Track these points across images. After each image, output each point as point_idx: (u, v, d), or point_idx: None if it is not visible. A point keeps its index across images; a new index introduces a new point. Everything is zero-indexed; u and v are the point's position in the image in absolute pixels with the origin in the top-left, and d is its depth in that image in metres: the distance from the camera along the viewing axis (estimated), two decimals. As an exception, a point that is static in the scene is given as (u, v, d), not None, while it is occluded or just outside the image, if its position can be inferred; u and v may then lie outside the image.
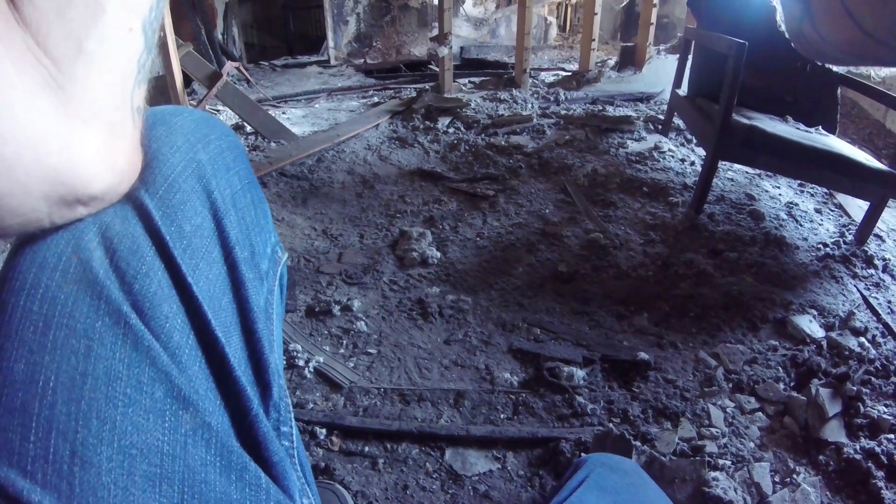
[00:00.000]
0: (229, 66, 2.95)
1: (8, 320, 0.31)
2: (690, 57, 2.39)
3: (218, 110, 3.15)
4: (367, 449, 1.01)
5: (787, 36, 1.10)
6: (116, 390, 0.32)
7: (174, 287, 0.37)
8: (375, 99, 3.70)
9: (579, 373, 1.16)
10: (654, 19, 3.64)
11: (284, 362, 1.18)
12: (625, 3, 6.71)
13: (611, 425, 1.05)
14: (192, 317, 0.37)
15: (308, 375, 1.16)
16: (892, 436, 1.03)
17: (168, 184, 0.38)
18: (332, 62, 5.76)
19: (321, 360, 1.20)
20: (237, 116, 2.79)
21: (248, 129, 2.75)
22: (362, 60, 5.52)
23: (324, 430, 1.03)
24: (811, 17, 0.85)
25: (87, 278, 0.33)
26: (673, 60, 3.10)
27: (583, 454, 0.97)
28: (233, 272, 0.42)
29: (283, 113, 3.37)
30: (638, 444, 1.00)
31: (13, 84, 0.28)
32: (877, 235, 1.80)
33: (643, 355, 1.20)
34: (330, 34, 5.92)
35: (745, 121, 1.77)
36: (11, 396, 0.30)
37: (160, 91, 2.73)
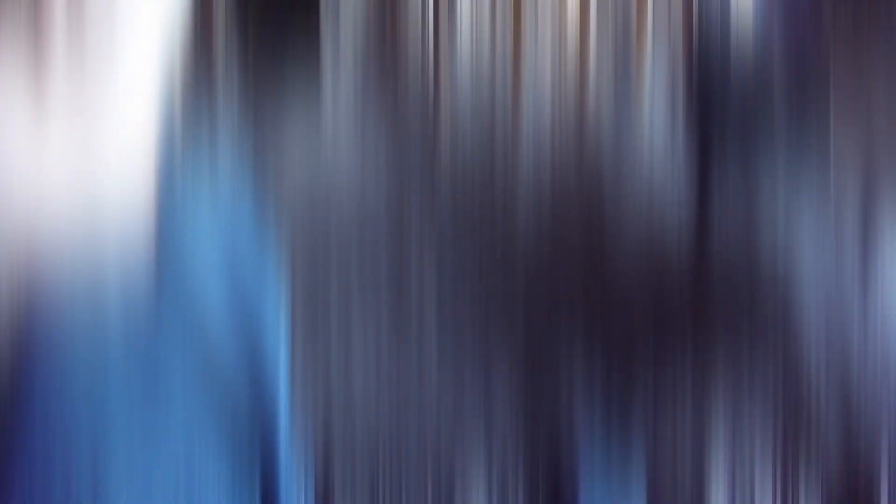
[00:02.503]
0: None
1: (31, 366, 0.34)
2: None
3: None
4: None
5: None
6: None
7: (188, 353, 0.38)
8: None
9: (578, 403, 1.14)
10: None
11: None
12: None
13: (610, 454, 1.04)
14: (205, 370, 0.39)
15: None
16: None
17: (186, 253, 0.40)
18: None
19: (313, 391, 1.19)
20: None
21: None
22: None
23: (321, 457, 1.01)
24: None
25: (106, 344, 0.35)
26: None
27: (581, 483, 0.96)
28: (248, 335, 0.43)
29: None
30: (638, 472, 0.99)
31: (42, 133, 0.30)
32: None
33: (641, 387, 1.19)
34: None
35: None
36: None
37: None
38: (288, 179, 2.36)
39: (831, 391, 1.18)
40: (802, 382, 1.20)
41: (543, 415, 1.12)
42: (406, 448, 1.05)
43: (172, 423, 0.36)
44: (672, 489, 1.00)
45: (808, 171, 1.75)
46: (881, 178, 2.01)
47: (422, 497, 0.97)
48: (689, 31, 2.36)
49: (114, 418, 0.35)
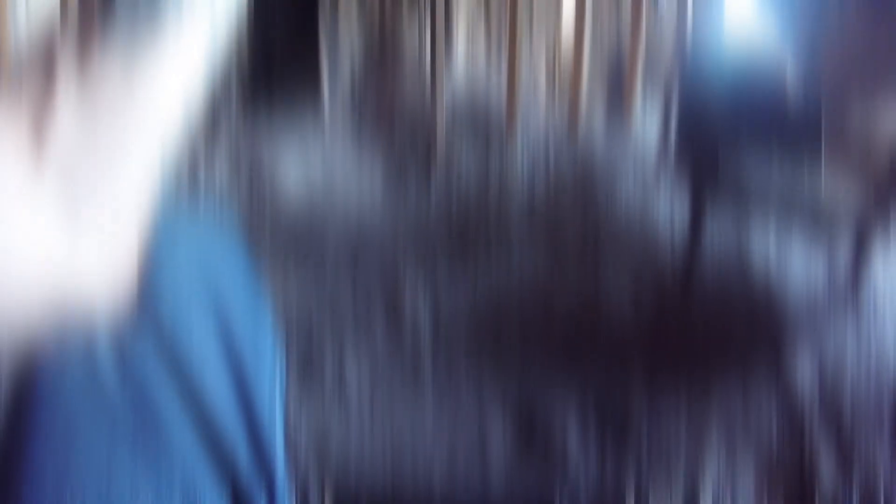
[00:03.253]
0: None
1: (34, 434, 0.33)
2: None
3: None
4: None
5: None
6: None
7: (186, 410, 0.38)
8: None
9: (573, 435, 1.14)
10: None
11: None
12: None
13: (605, 489, 1.03)
14: (203, 427, 0.39)
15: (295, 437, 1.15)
16: None
17: (176, 305, 0.40)
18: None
19: (308, 424, 1.19)
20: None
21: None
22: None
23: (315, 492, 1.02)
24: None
25: (105, 406, 0.35)
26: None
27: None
28: (242, 389, 0.43)
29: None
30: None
31: (22, 217, 0.29)
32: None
33: (638, 414, 1.19)
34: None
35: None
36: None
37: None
38: (283, 221, 2.36)
39: (825, 428, 1.18)
40: (796, 417, 1.20)
41: (537, 447, 1.12)
42: (402, 489, 1.05)
43: (168, 471, 0.37)
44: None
45: (801, 196, 1.76)
46: (873, 205, 2.03)
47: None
48: (681, 61, 2.38)
49: (110, 468, 0.35)
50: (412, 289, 1.68)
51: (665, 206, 2.42)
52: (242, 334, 0.44)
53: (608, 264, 1.91)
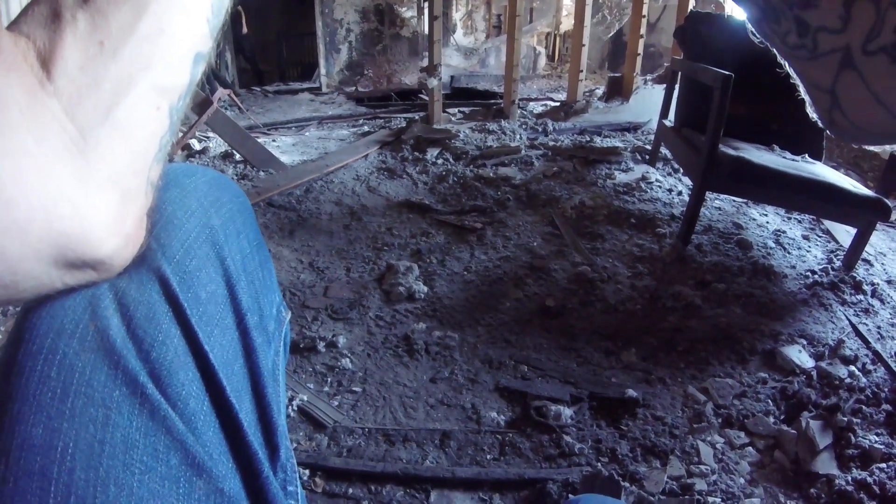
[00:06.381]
0: (221, 93, 2.97)
1: (25, 384, 0.32)
2: (677, 87, 2.41)
3: (208, 137, 3.15)
4: (350, 491, 0.99)
5: (819, 125, 1.10)
6: (133, 458, 0.33)
7: (190, 354, 0.37)
8: (366, 128, 3.72)
9: (567, 411, 1.14)
10: (640, 50, 3.68)
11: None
12: (612, 33, 6.80)
13: (599, 465, 1.03)
14: (208, 383, 0.38)
15: (291, 414, 1.14)
16: (883, 465, 1.02)
17: (184, 250, 0.39)
18: (324, 89, 5.82)
19: (305, 398, 1.18)
20: (226, 144, 2.79)
21: (238, 157, 2.75)
22: (353, 88, 5.56)
23: (307, 472, 1.01)
24: (840, 107, 0.87)
25: (104, 347, 0.33)
26: (660, 90, 3.13)
27: (570, 496, 0.96)
28: (244, 338, 0.43)
29: (274, 140, 3.38)
30: (626, 484, 0.99)
31: (30, 152, 0.28)
32: (865, 260, 1.80)
33: (631, 392, 1.19)
34: (322, 62, 5.98)
35: (731, 152, 1.77)
36: (30, 460, 0.30)
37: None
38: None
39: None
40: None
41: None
42: (393, 460, 1.05)
43: (167, 426, 0.36)
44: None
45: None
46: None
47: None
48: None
49: (107, 417, 0.34)
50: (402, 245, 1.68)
51: (664, 179, 2.41)
52: (248, 292, 0.43)
53: (607, 237, 1.91)
